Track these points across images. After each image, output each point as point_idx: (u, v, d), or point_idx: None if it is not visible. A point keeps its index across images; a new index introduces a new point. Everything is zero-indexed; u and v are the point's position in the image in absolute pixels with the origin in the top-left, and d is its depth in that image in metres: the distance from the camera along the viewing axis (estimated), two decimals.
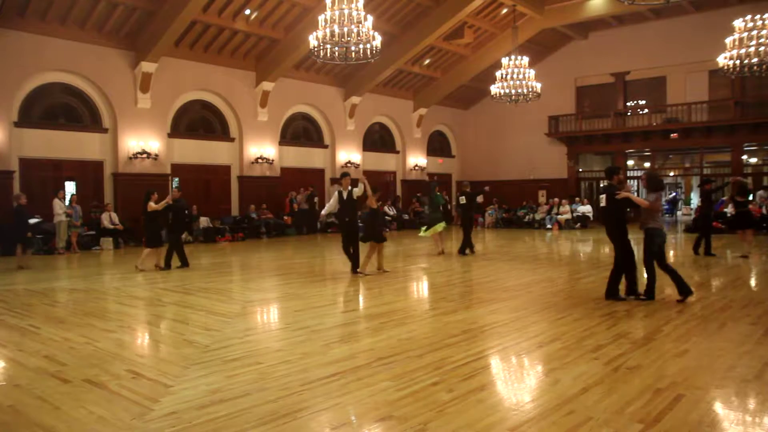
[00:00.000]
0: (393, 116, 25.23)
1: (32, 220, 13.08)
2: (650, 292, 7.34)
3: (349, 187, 10.05)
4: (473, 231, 13.65)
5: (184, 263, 11.25)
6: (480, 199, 14.17)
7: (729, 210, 16.76)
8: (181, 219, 11.45)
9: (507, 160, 26.84)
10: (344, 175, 10.43)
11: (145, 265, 10.93)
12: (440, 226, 12.92)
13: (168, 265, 11.08)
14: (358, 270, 9.97)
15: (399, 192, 25.68)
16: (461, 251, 13.19)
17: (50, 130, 15.69)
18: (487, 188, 15.09)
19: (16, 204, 11.81)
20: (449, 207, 22.27)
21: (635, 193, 7.85)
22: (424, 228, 13.47)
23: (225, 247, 16.04)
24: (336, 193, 10.22)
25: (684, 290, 7.21)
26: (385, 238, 10.48)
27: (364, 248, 10.13)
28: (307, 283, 9.32)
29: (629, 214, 7.83)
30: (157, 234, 11.22)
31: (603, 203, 7.38)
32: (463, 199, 13.42)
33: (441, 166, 27.95)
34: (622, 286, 7.54)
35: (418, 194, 24.41)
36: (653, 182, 7.63)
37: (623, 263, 7.43)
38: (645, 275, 7.47)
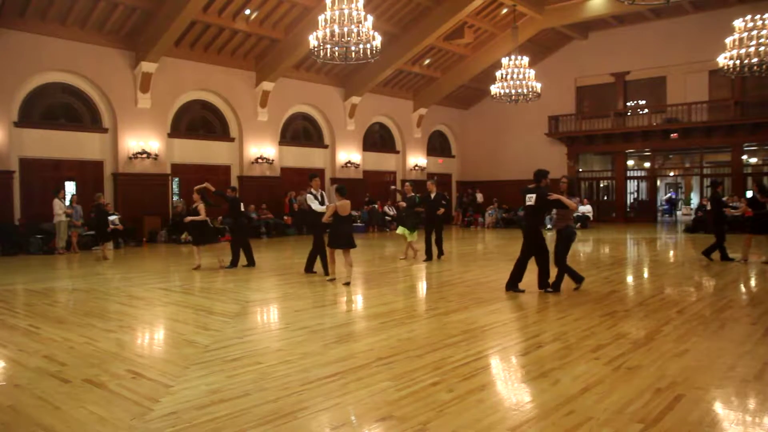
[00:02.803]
0: (393, 116, 25.23)
1: (111, 218, 14.23)
2: (557, 286, 8.00)
3: (320, 190, 10.03)
4: (444, 232, 12.55)
5: (250, 262, 11.37)
6: (480, 198, 13.94)
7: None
8: (241, 216, 11.59)
9: (507, 160, 26.82)
10: (312, 176, 10.19)
11: (199, 261, 11.12)
12: (402, 230, 12.15)
13: (252, 262, 11.29)
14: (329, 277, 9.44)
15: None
16: (429, 257, 12.06)
17: (50, 130, 15.68)
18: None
19: (96, 203, 13.21)
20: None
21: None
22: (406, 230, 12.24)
23: (225, 247, 16.00)
24: (309, 196, 9.93)
25: (556, 285, 8.00)
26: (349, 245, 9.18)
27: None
28: (307, 283, 9.32)
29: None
30: (209, 233, 11.49)
31: (531, 202, 7.98)
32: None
33: (441, 166, 27.95)
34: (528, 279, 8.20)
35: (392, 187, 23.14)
36: (573, 187, 8.44)
37: (540, 258, 8.05)
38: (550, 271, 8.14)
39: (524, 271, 8.17)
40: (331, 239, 9.08)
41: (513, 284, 8.20)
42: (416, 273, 10.68)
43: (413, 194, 12.42)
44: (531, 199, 7.94)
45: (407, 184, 13.31)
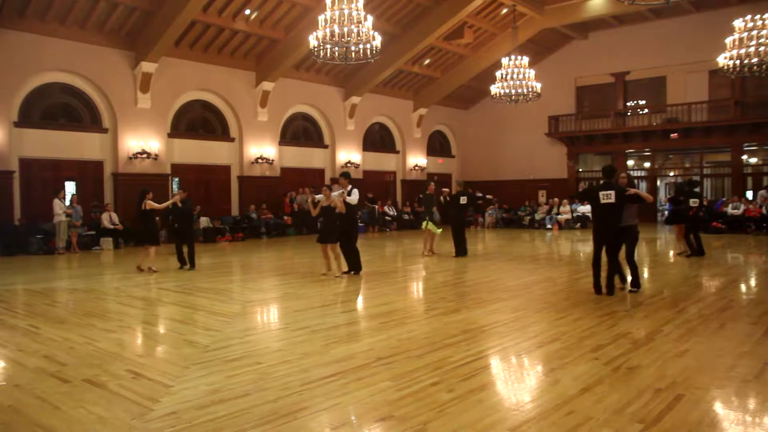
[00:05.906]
0: (393, 116, 25.23)
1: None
2: (638, 283, 8.00)
3: (349, 187, 10.14)
4: (466, 232, 13.17)
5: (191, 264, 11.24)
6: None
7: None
8: (189, 220, 11.52)
9: (507, 160, 26.82)
10: (344, 175, 10.46)
11: (154, 264, 10.86)
12: (429, 224, 12.63)
13: (193, 265, 11.03)
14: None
15: (399, 192, 25.70)
16: (459, 254, 12.70)
17: (50, 130, 15.68)
18: (478, 193, 14.61)
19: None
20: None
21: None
22: (426, 224, 12.86)
23: (225, 247, 16.04)
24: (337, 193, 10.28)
25: (636, 283, 7.99)
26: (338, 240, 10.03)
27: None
28: (307, 283, 9.32)
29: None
30: (156, 232, 11.26)
31: (611, 200, 7.62)
32: (464, 199, 13.02)
33: (441, 166, 27.95)
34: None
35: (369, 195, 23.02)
36: (632, 182, 8.48)
37: (615, 258, 7.77)
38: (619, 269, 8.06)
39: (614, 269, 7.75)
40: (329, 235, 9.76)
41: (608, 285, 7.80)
42: (416, 273, 10.68)
43: (429, 194, 13.22)
44: (610, 196, 7.57)
45: (430, 185, 13.70)
